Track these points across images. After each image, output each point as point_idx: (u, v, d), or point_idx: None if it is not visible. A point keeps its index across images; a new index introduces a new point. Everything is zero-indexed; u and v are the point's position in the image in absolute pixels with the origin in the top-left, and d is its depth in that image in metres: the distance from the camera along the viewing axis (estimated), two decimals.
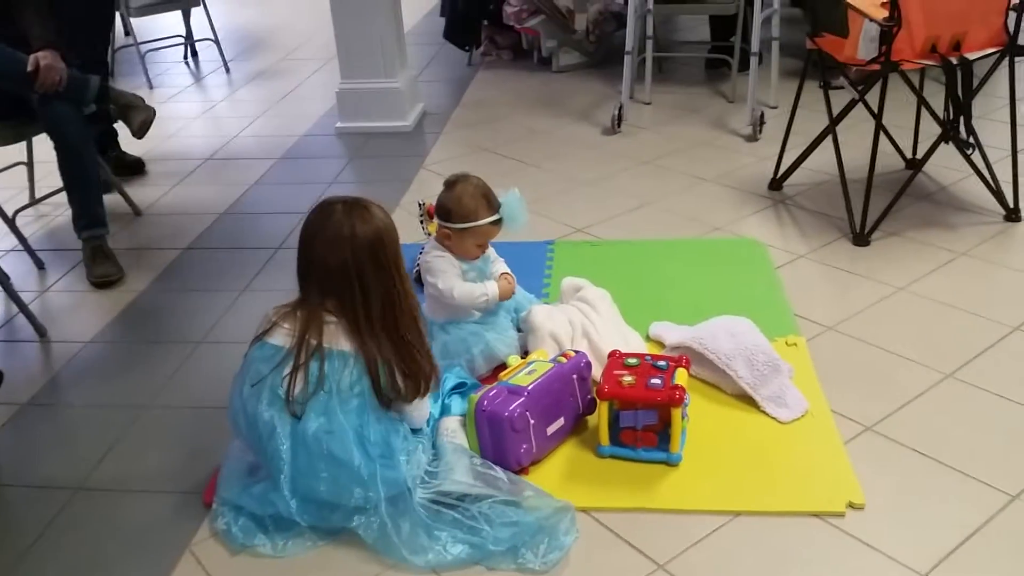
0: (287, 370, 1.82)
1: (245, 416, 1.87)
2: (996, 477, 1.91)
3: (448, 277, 2.28)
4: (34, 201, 3.45)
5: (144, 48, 5.42)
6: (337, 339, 1.84)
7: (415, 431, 1.96)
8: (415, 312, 1.91)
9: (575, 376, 2.08)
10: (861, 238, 2.90)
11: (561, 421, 2.04)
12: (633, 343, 2.35)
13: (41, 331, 2.72)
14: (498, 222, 2.27)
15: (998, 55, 2.87)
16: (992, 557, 1.73)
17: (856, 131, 3.16)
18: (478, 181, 2.29)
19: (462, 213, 2.24)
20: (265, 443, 1.83)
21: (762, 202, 3.27)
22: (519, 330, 2.36)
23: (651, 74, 4.42)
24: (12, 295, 2.74)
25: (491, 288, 2.30)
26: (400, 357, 1.86)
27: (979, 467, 1.94)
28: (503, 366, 2.18)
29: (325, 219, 1.84)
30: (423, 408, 1.97)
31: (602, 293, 2.44)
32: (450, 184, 2.29)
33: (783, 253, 2.89)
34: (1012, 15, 2.85)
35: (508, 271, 2.38)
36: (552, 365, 2.08)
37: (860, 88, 2.94)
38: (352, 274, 1.82)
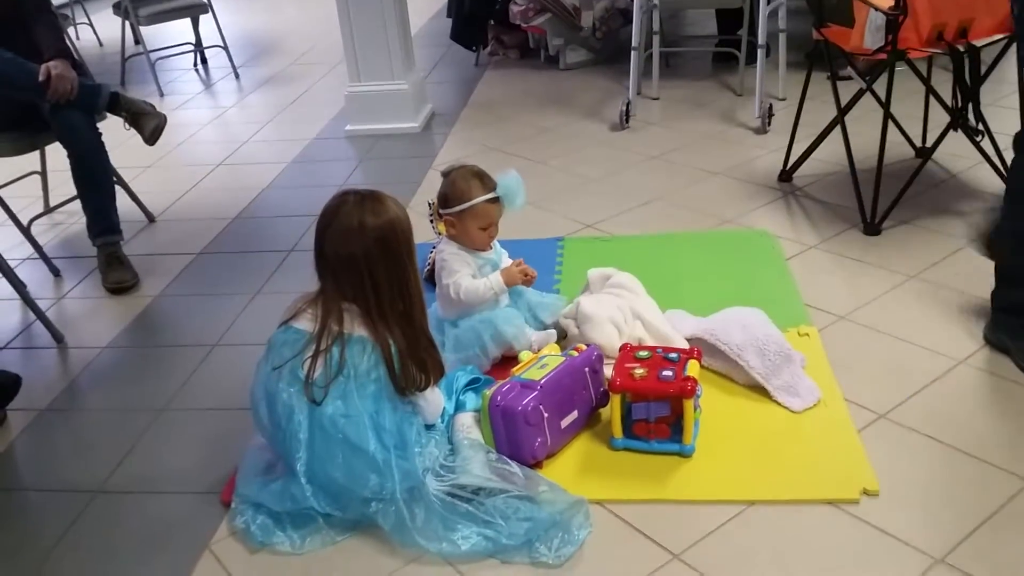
0: (309, 354, 1.84)
1: (266, 399, 1.89)
2: (1010, 462, 1.91)
3: (459, 277, 2.29)
4: (49, 209, 3.48)
5: (154, 56, 5.47)
6: (356, 325, 1.86)
7: (429, 427, 1.97)
8: (424, 304, 1.93)
9: (587, 369, 2.09)
10: (872, 227, 2.90)
11: (575, 414, 2.05)
12: (678, 322, 2.34)
13: (58, 337, 2.74)
14: (495, 200, 2.29)
15: (1006, 41, 2.87)
16: (1008, 542, 1.72)
17: (864, 121, 3.15)
18: (472, 166, 2.34)
19: (456, 195, 2.28)
20: (284, 426, 1.85)
21: (772, 194, 3.27)
22: (561, 333, 2.36)
23: (658, 69, 4.43)
24: (29, 302, 2.77)
25: (495, 279, 2.32)
26: (411, 346, 1.88)
27: (993, 452, 1.94)
28: (515, 358, 2.19)
29: (336, 210, 1.87)
30: (436, 402, 1.99)
31: (632, 276, 2.42)
32: (445, 173, 2.34)
33: (794, 244, 2.89)
34: (1019, 1, 2.83)
35: (522, 261, 2.40)
36: (564, 359, 2.08)
37: (867, 78, 2.94)
38: (361, 265, 1.83)
